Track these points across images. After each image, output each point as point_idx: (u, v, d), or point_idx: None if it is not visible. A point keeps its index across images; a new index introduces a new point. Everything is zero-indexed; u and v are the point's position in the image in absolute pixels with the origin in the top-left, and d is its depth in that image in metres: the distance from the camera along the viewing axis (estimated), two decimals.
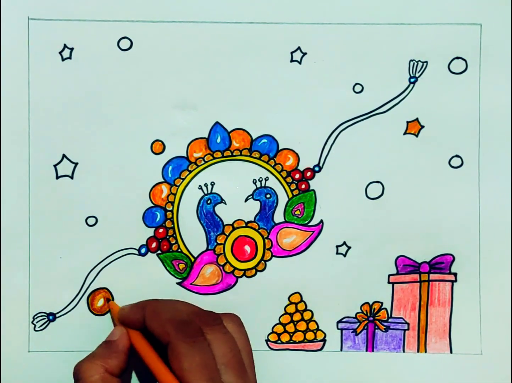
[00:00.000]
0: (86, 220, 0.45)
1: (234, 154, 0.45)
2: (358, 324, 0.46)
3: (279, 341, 0.46)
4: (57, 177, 0.44)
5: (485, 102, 0.45)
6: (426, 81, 0.45)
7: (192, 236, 0.45)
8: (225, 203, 0.45)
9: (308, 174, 0.45)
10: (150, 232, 0.45)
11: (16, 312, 0.44)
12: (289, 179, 0.45)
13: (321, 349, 0.46)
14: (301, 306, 0.45)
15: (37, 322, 0.45)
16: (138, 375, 0.44)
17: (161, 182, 0.45)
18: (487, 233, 0.45)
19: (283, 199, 0.45)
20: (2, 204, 0.44)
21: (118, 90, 0.44)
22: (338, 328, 0.46)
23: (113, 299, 0.45)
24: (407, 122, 0.45)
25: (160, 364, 0.38)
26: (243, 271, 0.45)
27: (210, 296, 0.45)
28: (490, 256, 0.45)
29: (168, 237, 0.45)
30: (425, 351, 0.46)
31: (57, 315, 0.45)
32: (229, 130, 0.45)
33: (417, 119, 0.45)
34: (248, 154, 0.45)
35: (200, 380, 0.36)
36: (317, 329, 0.46)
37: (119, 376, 0.39)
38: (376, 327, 0.46)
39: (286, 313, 0.45)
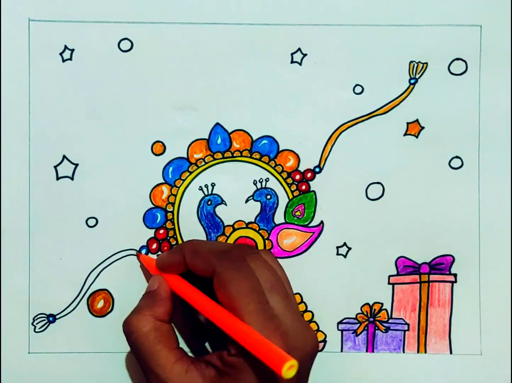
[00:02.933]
0: (86, 221, 0.45)
1: (234, 155, 0.45)
2: (359, 325, 0.46)
3: None
4: (58, 178, 0.44)
5: (485, 103, 0.45)
6: (426, 82, 0.45)
7: (193, 237, 0.45)
8: (225, 204, 0.45)
9: (309, 175, 0.45)
10: (151, 233, 0.45)
11: (16, 314, 0.44)
12: (289, 180, 0.45)
13: (321, 350, 0.46)
14: (301, 307, 0.45)
15: (37, 324, 0.45)
16: (185, 320, 0.44)
17: (162, 183, 0.45)
18: (487, 234, 0.45)
19: (283, 200, 0.45)
20: (2, 205, 0.44)
21: (118, 91, 0.44)
22: (338, 329, 0.46)
23: (113, 300, 0.45)
24: (407, 123, 0.45)
25: (206, 299, 0.38)
26: None
27: None
28: (490, 257, 0.45)
29: (168, 238, 0.45)
30: (425, 352, 0.46)
31: (57, 317, 0.45)
32: (229, 131, 0.45)
33: (417, 120, 0.45)
34: (249, 155, 0.45)
35: (249, 305, 0.36)
36: (318, 330, 0.46)
37: (169, 322, 0.40)
38: (376, 327, 0.46)
39: None
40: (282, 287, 0.38)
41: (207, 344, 0.44)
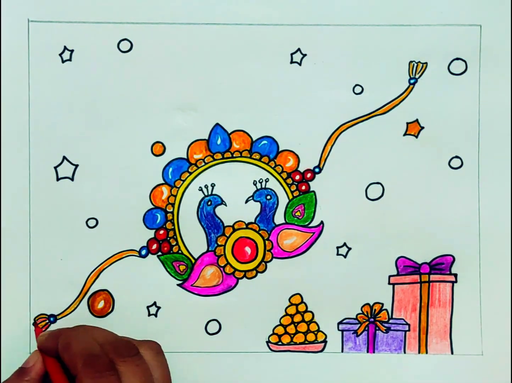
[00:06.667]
0: (86, 222, 0.45)
1: (234, 155, 0.45)
2: (359, 325, 0.46)
3: (280, 343, 0.46)
4: (58, 179, 0.45)
5: (485, 103, 0.45)
6: (426, 82, 0.45)
7: (193, 237, 0.45)
8: (225, 205, 0.45)
9: (309, 175, 0.45)
10: (151, 233, 0.45)
11: (17, 314, 0.44)
12: (289, 181, 0.45)
13: (322, 351, 0.46)
14: (301, 307, 0.45)
15: (38, 324, 0.45)
16: None
17: (162, 184, 0.45)
18: (487, 234, 0.45)
19: (283, 200, 0.45)
20: (3, 206, 0.44)
21: (118, 92, 0.44)
22: (339, 329, 0.46)
23: (113, 301, 0.45)
24: (407, 123, 0.45)
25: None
26: (243, 273, 0.45)
27: (211, 298, 0.45)
28: (490, 257, 0.45)
29: (168, 238, 0.45)
30: (426, 352, 0.46)
31: (58, 317, 0.45)
32: (229, 132, 0.45)
33: (417, 120, 0.45)
34: (249, 156, 0.45)
35: None
36: (318, 330, 0.46)
37: None
38: (377, 328, 0.46)
39: (286, 314, 0.45)
40: None
41: None
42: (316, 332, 0.46)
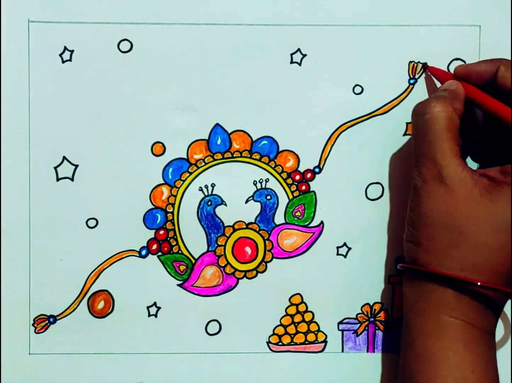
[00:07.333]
0: (86, 222, 0.45)
1: (234, 155, 0.45)
2: (359, 325, 0.46)
3: (280, 343, 0.46)
4: (58, 179, 0.44)
5: None
6: (426, 82, 0.45)
7: (193, 237, 0.45)
8: (225, 205, 0.45)
9: (309, 175, 0.45)
10: (151, 234, 0.45)
11: (16, 315, 0.44)
12: (289, 181, 0.45)
13: (322, 351, 0.46)
14: (302, 307, 0.45)
15: (37, 325, 0.45)
16: None
17: (162, 184, 0.45)
18: None
19: (283, 200, 0.45)
20: (3, 206, 0.44)
21: (118, 92, 0.44)
22: (339, 329, 0.46)
23: (113, 301, 0.45)
24: (407, 123, 0.45)
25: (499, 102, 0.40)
26: (244, 273, 0.45)
27: (211, 298, 0.45)
28: None
29: (168, 238, 0.45)
30: None
31: (57, 318, 0.45)
32: (229, 132, 0.45)
33: None
34: (249, 156, 0.45)
35: None
36: (318, 330, 0.46)
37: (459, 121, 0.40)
38: (376, 328, 0.46)
39: (287, 314, 0.45)
40: None
41: None
42: (316, 332, 0.46)
